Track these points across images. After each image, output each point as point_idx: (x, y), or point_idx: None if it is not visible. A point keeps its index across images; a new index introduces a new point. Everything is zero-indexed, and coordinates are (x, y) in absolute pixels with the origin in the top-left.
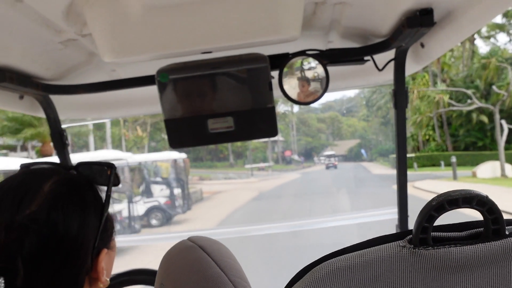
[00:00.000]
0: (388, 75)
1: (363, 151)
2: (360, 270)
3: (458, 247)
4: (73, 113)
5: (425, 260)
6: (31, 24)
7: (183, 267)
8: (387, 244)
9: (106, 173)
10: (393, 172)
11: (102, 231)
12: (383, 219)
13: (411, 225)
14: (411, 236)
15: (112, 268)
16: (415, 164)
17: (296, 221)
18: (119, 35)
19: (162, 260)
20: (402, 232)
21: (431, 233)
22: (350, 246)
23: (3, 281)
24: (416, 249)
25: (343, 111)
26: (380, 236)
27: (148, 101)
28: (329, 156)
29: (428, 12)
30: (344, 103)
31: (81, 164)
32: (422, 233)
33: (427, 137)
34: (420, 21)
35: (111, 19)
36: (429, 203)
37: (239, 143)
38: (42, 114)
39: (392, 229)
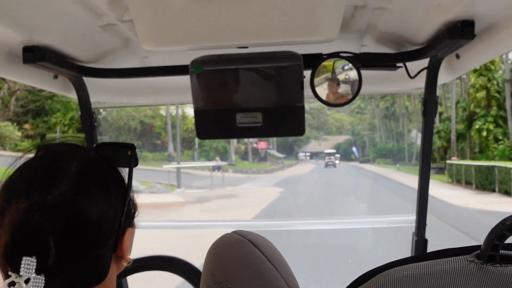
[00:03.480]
0: (419, 83)
1: (354, 149)
2: (426, 280)
3: None
4: (103, 96)
5: (492, 277)
6: (75, 7)
7: (235, 260)
8: (454, 258)
9: (126, 154)
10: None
11: (127, 211)
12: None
13: (427, 234)
14: (478, 251)
15: (132, 244)
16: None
17: (310, 219)
18: (160, 23)
19: (209, 251)
20: (469, 247)
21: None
22: (416, 256)
23: (35, 260)
24: (484, 265)
25: None
26: (446, 249)
27: (177, 90)
28: (329, 154)
29: (469, 24)
30: None
31: (101, 145)
32: (492, 250)
33: (484, 133)
34: (460, 33)
35: (154, 6)
36: (503, 222)
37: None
38: (73, 95)
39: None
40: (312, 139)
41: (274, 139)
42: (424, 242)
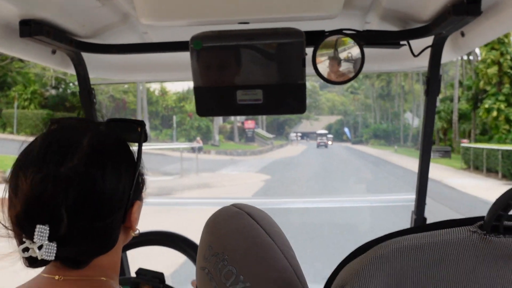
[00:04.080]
0: (422, 62)
1: (346, 129)
2: (427, 250)
3: None
4: (102, 72)
5: (494, 248)
6: None
7: (232, 232)
8: (457, 228)
9: (136, 130)
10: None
11: (136, 185)
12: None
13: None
14: (481, 222)
15: (140, 216)
16: None
17: (309, 198)
18: None
19: (207, 224)
20: (472, 218)
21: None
22: (416, 227)
23: (48, 228)
24: (487, 236)
25: (320, 83)
26: (448, 220)
27: (177, 67)
28: (321, 135)
29: (475, 0)
30: None
31: (111, 121)
32: (496, 220)
33: (494, 113)
34: (466, 9)
35: None
36: (508, 192)
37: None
38: (72, 71)
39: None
40: (304, 119)
41: (263, 118)
42: (424, 220)
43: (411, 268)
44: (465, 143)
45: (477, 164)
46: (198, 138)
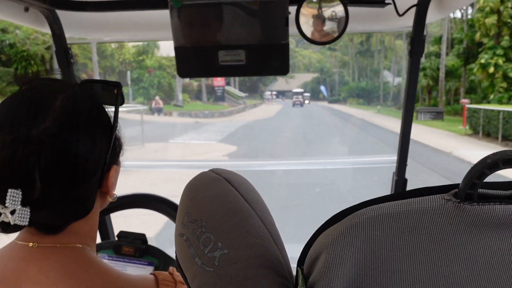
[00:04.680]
0: (407, 21)
1: (323, 88)
2: (402, 218)
3: (502, 205)
4: (79, 31)
5: (468, 216)
6: None
7: (210, 199)
8: (431, 196)
9: (112, 92)
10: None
11: (112, 148)
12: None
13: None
14: (456, 190)
15: (117, 181)
16: None
17: (292, 160)
18: None
19: (185, 190)
20: (447, 186)
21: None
22: (393, 194)
23: (20, 192)
24: (461, 204)
25: (297, 39)
26: (423, 188)
27: (157, 26)
28: (296, 94)
29: None
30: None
31: (85, 82)
32: (470, 188)
33: (491, 69)
34: None
35: None
36: (483, 160)
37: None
38: (47, 30)
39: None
40: (279, 77)
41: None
42: (404, 181)
43: (386, 236)
44: (465, 103)
45: (488, 130)
46: (157, 98)
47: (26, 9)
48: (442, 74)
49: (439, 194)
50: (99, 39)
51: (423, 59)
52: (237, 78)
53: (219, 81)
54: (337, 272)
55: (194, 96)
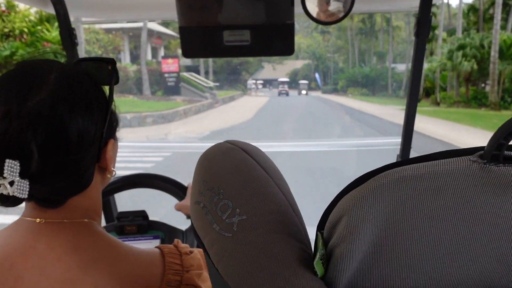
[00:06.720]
0: (413, 1)
1: (317, 75)
2: (427, 180)
3: None
4: (83, 12)
5: (494, 177)
6: None
7: (227, 167)
8: (457, 158)
9: (107, 68)
10: None
11: (108, 123)
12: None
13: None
14: (481, 152)
15: (116, 158)
16: None
17: (296, 141)
18: None
19: (200, 159)
20: (472, 148)
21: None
22: (417, 157)
23: (18, 164)
24: (487, 165)
25: None
26: (448, 150)
27: (161, 6)
28: (282, 83)
29: None
30: None
31: (80, 61)
32: (496, 150)
33: None
34: None
35: None
36: (510, 121)
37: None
38: (51, 10)
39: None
40: (265, 63)
41: (209, 60)
42: None
43: (410, 197)
44: None
45: None
46: None
47: None
48: (494, 53)
49: (465, 156)
50: (104, 20)
51: (459, 34)
52: (210, 64)
53: (170, 65)
54: (359, 235)
55: (127, 89)
